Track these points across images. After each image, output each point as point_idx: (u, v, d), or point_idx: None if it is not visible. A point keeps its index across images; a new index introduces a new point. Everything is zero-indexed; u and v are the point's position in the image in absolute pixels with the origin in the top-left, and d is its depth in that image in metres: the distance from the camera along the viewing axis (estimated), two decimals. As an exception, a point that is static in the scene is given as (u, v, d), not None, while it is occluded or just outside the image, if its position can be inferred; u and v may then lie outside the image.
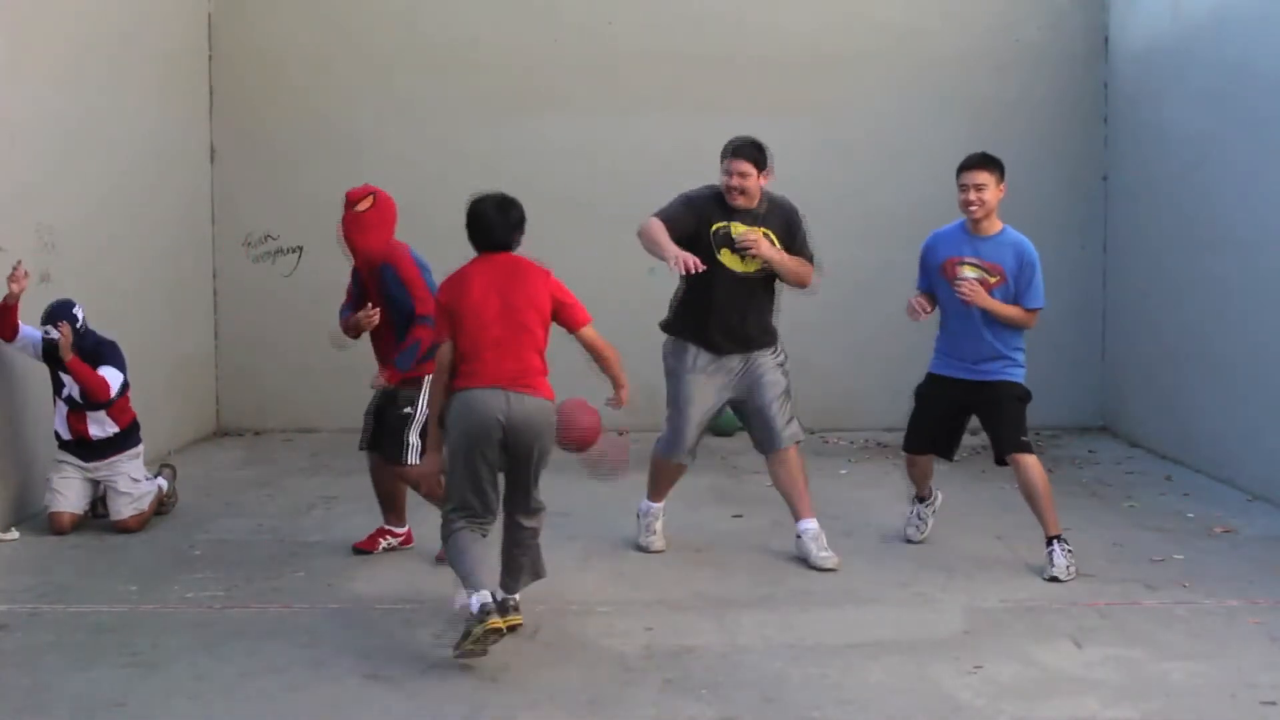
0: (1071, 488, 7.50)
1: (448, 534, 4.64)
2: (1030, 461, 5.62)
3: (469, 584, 4.45)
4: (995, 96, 9.58)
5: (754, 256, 5.76)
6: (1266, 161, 7.09)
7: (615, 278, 8.86)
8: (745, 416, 6.05)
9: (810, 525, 5.88)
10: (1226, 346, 7.61)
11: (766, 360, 5.95)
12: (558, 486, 6.35)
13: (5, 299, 6.13)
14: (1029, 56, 9.63)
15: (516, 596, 4.72)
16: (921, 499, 6.22)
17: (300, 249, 9.74)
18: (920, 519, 6.21)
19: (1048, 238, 10.04)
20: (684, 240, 5.68)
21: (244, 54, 9.60)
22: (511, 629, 4.44)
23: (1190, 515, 6.81)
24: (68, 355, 6.19)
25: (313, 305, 9.70)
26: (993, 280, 5.67)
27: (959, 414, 5.91)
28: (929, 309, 5.86)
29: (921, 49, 9.61)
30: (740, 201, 5.80)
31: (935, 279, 5.85)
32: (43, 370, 6.60)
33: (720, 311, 5.83)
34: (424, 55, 9.61)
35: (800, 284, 6.03)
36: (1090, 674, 4.39)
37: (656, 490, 6.13)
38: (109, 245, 7.71)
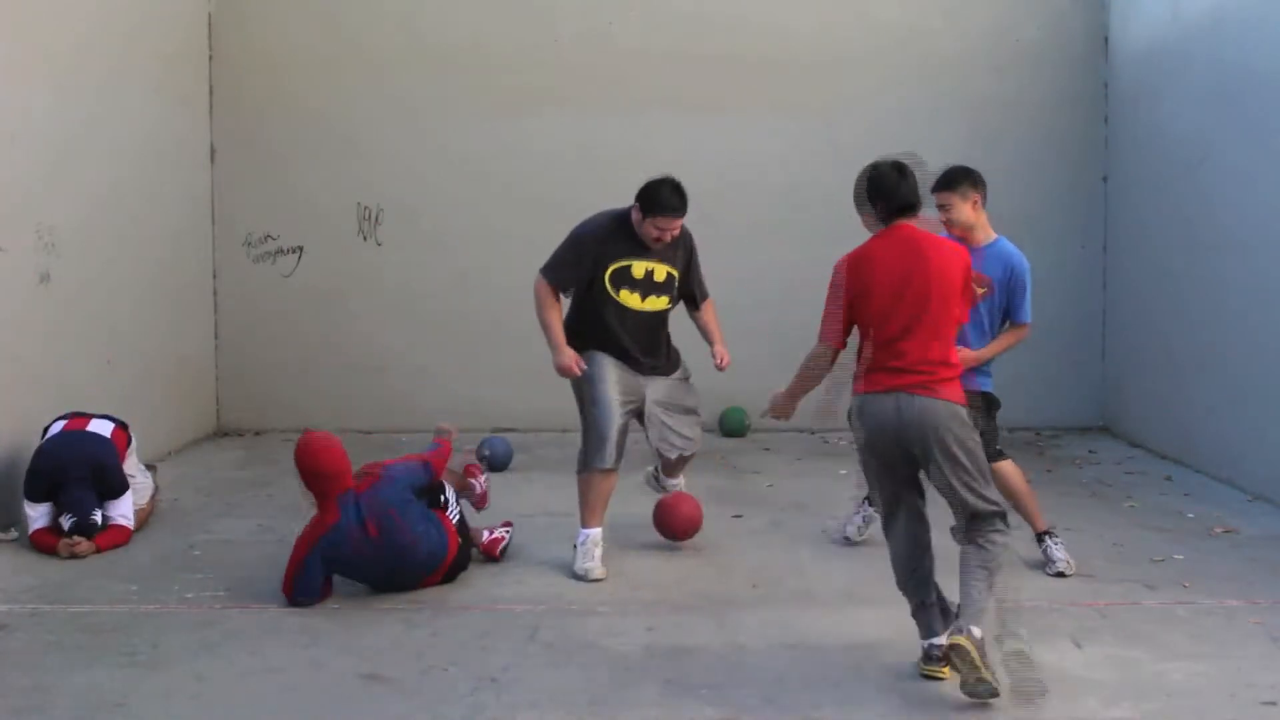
0: (1071, 488, 7.50)
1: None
2: (1008, 468, 5.64)
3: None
4: (995, 96, 9.58)
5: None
6: (1266, 162, 7.09)
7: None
8: (654, 421, 5.88)
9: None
10: (1226, 346, 7.61)
11: (676, 378, 5.99)
12: (558, 486, 6.37)
13: None
14: (1029, 56, 9.63)
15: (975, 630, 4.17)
16: (872, 502, 6.20)
17: (300, 249, 9.74)
18: (865, 522, 6.17)
19: (1048, 238, 10.10)
20: (574, 282, 5.70)
21: (244, 54, 9.60)
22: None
23: (1190, 515, 6.81)
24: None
25: (313, 305, 9.73)
26: (981, 291, 5.64)
27: None
28: None
29: (921, 49, 9.61)
30: (659, 246, 5.69)
31: None
32: (42, 372, 6.60)
33: (624, 338, 5.73)
34: (424, 55, 9.61)
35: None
36: (1090, 674, 4.38)
37: (591, 512, 5.70)
38: (109, 245, 7.72)
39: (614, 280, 5.66)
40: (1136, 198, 9.07)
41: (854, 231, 10.07)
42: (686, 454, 6.03)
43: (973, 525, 4.37)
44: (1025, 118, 9.62)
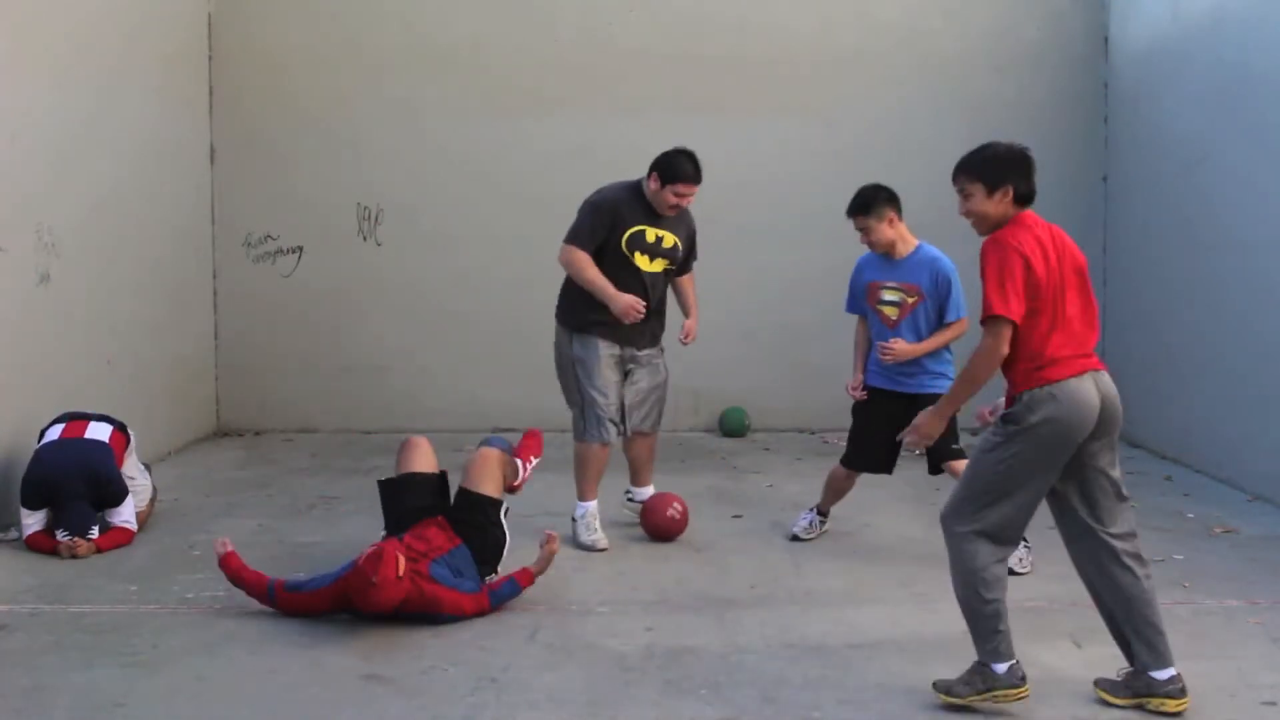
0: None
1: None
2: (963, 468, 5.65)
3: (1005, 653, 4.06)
4: (995, 96, 9.58)
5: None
6: (1266, 162, 7.09)
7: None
8: (634, 387, 6.21)
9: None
10: (1226, 346, 7.61)
11: (657, 358, 6.28)
12: (557, 487, 6.37)
13: None
14: (1029, 56, 9.64)
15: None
16: (823, 515, 6.31)
17: (300, 249, 9.74)
18: (811, 526, 6.29)
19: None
20: (592, 246, 6.01)
21: (244, 54, 9.60)
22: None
23: (1190, 515, 6.81)
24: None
25: (313, 305, 9.73)
26: (911, 300, 5.86)
27: (896, 428, 5.93)
28: (862, 393, 6.04)
29: (921, 49, 9.62)
30: (670, 213, 6.08)
31: (862, 302, 6.05)
32: (41, 372, 6.60)
33: (636, 294, 6.05)
34: (424, 56, 9.62)
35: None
36: (1090, 674, 4.37)
37: (588, 485, 6.14)
38: (109, 245, 7.72)
39: (629, 243, 6.03)
40: (1136, 198, 9.08)
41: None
42: (649, 428, 6.35)
43: (1118, 537, 4.11)
44: (1025, 117, 9.60)
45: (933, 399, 5.64)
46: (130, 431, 6.53)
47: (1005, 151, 4.12)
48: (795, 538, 6.24)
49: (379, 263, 9.71)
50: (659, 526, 6.22)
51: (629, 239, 6.01)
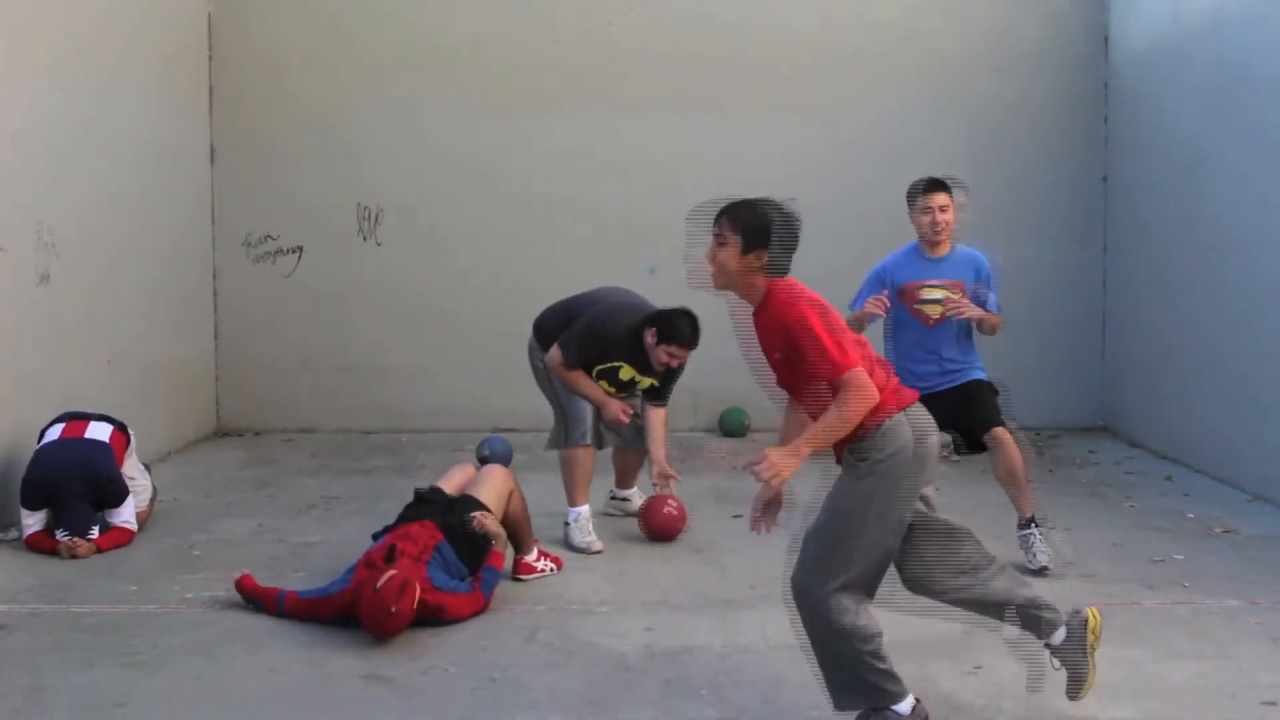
0: (1071, 488, 7.50)
1: None
2: (1011, 439, 5.63)
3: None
4: (995, 96, 9.59)
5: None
6: (1266, 162, 7.09)
7: (615, 277, 8.82)
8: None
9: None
10: (1226, 346, 7.61)
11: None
12: (558, 486, 6.37)
13: None
14: (1029, 56, 9.64)
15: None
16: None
17: (300, 249, 9.75)
18: None
19: (1048, 238, 10.12)
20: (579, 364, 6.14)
21: (244, 54, 9.61)
22: None
23: (1190, 515, 6.81)
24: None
25: (313, 305, 9.73)
26: (956, 297, 5.77)
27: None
28: (886, 304, 5.82)
29: (921, 49, 9.62)
30: (660, 368, 6.12)
31: (895, 305, 5.88)
32: (41, 372, 6.59)
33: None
34: (424, 56, 9.62)
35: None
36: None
37: (579, 489, 6.18)
38: (109, 245, 7.72)
39: (601, 373, 6.17)
40: (1136, 198, 9.08)
41: (854, 232, 10.08)
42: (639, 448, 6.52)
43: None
44: (1025, 118, 9.63)
45: (977, 382, 5.73)
46: (130, 431, 6.53)
47: (769, 213, 3.83)
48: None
49: (379, 263, 9.71)
50: (658, 525, 6.23)
51: (600, 371, 6.15)
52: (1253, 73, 7.25)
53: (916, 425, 3.82)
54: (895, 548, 3.83)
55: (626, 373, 6.18)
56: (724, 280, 3.87)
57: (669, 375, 6.29)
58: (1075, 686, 3.99)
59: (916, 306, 5.81)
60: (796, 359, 3.79)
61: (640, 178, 9.52)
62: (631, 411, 6.22)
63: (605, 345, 6.11)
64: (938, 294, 5.77)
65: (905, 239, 10.48)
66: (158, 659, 4.57)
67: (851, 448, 3.85)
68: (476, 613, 5.00)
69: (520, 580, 5.58)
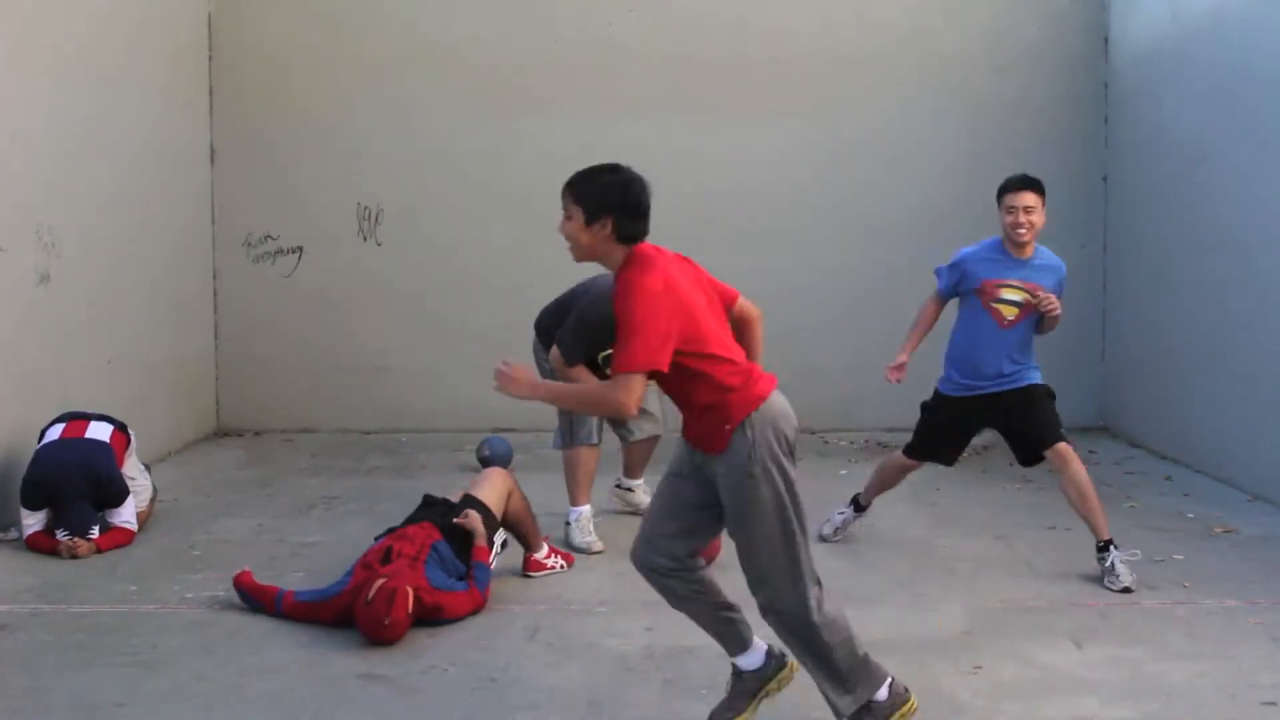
0: (1071, 488, 7.50)
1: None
2: (1075, 455, 5.59)
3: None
4: (995, 96, 9.59)
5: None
6: (1265, 162, 7.09)
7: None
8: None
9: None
10: (1226, 346, 7.61)
11: None
12: (558, 486, 6.37)
13: None
14: (1029, 56, 9.64)
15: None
16: (862, 509, 6.25)
17: (300, 249, 9.75)
18: (845, 525, 6.26)
19: (1047, 237, 10.02)
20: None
21: (244, 54, 9.61)
22: None
23: (1190, 515, 6.81)
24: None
25: (313, 305, 9.73)
26: (1033, 301, 5.65)
27: (973, 428, 5.94)
28: (903, 375, 5.88)
29: (921, 49, 9.62)
30: None
31: (967, 298, 5.77)
32: (41, 372, 6.58)
33: None
34: (424, 56, 9.62)
35: None
36: (1090, 674, 4.38)
37: (581, 489, 6.20)
38: (109, 245, 7.72)
39: (607, 360, 6.07)
40: (1136, 198, 9.08)
41: (855, 232, 10.06)
42: (640, 438, 6.55)
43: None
44: (1025, 118, 9.62)
45: (1036, 387, 5.70)
46: (130, 431, 6.53)
47: (612, 182, 3.70)
48: (823, 538, 6.18)
49: (379, 263, 9.71)
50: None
51: (606, 359, 6.06)
52: (1253, 73, 7.25)
53: (769, 412, 3.71)
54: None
55: None
56: (581, 252, 3.78)
57: None
58: (723, 712, 3.91)
59: (994, 304, 5.67)
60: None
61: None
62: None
63: (601, 332, 6.00)
64: (1018, 295, 5.64)
65: (906, 239, 10.51)
66: (158, 659, 4.57)
67: (719, 450, 3.70)
68: (475, 610, 5.00)
69: (530, 577, 5.59)
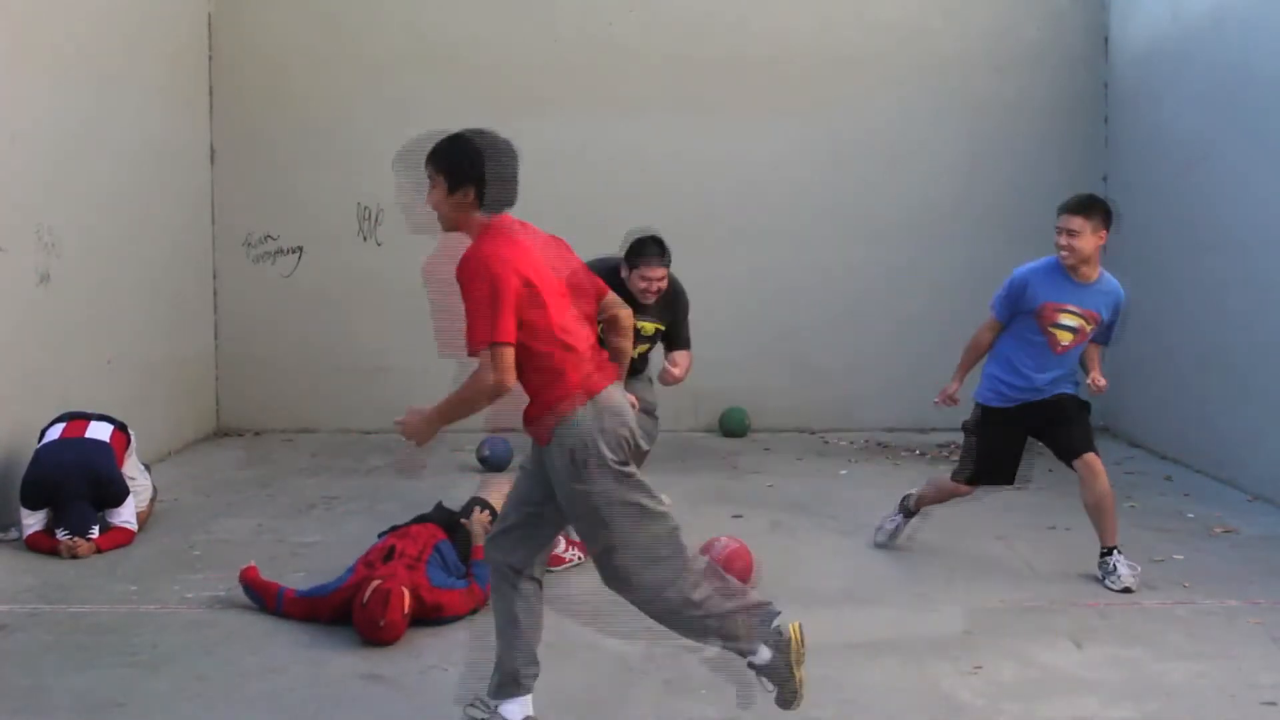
0: (1072, 488, 7.46)
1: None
2: (1102, 467, 5.55)
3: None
4: (995, 96, 9.59)
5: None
6: (1265, 162, 7.09)
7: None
8: None
9: None
10: (1226, 346, 7.61)
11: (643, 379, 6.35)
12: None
13: None
14: (1029, 56, 9.64)
15: None
16: (912, 514, 6.13)
17: (300, 249, 9.75)
18: (897, 531, 6.14)
19: (1047, 239, 10.06)
20: None
21: (244, 54, 9.60)
22: None
23: (1190, 515, 6.81)
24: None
25: (313, 305, 9.73)
26: (1089, 328, 5.58)
27: (1024, 435, 5.76)
28: (955, 400, 5.78)
29: (922, 49, 9.62)
30: (652, 301, 5.93)
31: (1023, 318, 5.61)
32: (42, 372, 6.57)
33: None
34: (424, 56, 9.62)
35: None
36: (1090, 674, 4.38)
37: None
38: (109, 245, 7.72)
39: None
40: (1136, 198, 9.07)
41: (855, 233, 10.05)
42: (647, 446, 6.43)
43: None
44: (1025, 118, 9.62)
45: (1071, 397, 5.63)
46: (130, 431, 6.53)
47: (470, 147, 3.66)
48: (877, 544, 6.11)
49: (379, 263, 9.70)
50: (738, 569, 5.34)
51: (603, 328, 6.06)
52: (1253, 73, 7.25)
53: (599, 407, 3.60)
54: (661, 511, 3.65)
55: (646, 328, 5.99)
56: (445, 222, 3.69)
57: (673, 313, 6.11)
58: (785, 704, 3.76)
59: (1051, 328, 5.54)
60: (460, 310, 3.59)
61: (640, 178, 9.52)
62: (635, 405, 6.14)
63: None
64: (1074, 322, 5.52)
65: (906, 239, 10.50)
66: (158, 659, 4.57)
67: (544, 442, 3.62)
68: (477, 607, 5.00)
69: (551, 572, 5.63)
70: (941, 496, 5.99)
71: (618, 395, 3.70)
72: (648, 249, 5.84)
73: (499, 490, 5.55)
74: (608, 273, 5.98)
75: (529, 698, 3.84)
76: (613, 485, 3.58)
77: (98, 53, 7.63)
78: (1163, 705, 4.12)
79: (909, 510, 6.11)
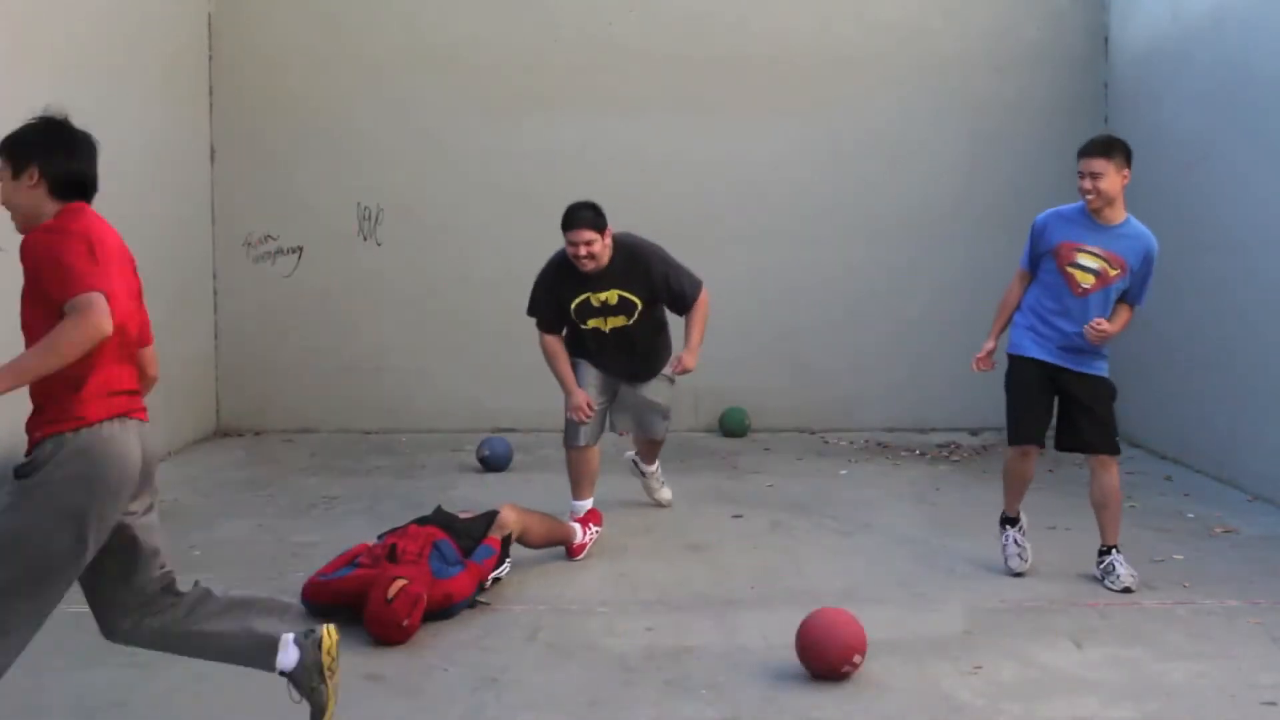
0: (1072, 488, 7.49)
1: None
2: (1116, 468, 5.52)
3: None
4: (995, 96, 9.59)
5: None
6: (1266, 162, 7.09)
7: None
8: (623, 406, 6.46)
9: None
10: (1226, 346, 7.61)
11: (647, 385, 6.45)
12: (558, 487, 6.37)
13: None
14: (1029, 56, 9.64)
15: None
16: (1013, 520, 5.72)
17: (300, 249, 9.75)
18: (1019, 545, 5.68)
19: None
20: (558, 321, 6.19)
21: (244, 54, 9.61)
22: None
23: (1190, 515, 6.82)
24: None
25: (313, 305, 9.73)
26: (1113, 273, 5.39)
27: (1054, 397, 5.58)
28: (990, 365, 5.69)
29: (921, 49, 9.62)
30: (590, 267, 5.99)
31: (1044, 260, 5.47)
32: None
33: (604, 356, 6.26)
34: (423, 56, 9.62)
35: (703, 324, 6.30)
36: (1090, 674, 4.38)
37: (578, 486, 6.27)
38: (109, 245, 7.71)
39: (579, 313, 6.13)
40: (1136, 198, 9.01)
41: (855, 232, 10.06)
42: (656, 438, 6.63)
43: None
44: (1025, 118, 9.62)
45: (1101, 382, 5.58)
46: (130, 432, 6.52)
47: (35, 127, 3.43)
48: (1015, 573, 5.61)
49: (379, 263, 9.71)
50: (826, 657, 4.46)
51: (577, 310, 6.10)
52: (1253, 73, 7.25)
53: (116, 446, 3.45)
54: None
55: (596, 299, 6.06)
56: (19, 215, 3.46)
57: (642, 275, 6.05)
58: (317, 717, 3.66)
59: (1069, 268, 5.36)
60: (36, 287, 3.34)
61: (640, 178, 9.51)
62: (592, 410, 6.10)
63: (554, 287, 6.11)
64: (1094, 263, 5.34)
65: (906, 239, 10.50)
66: (158, 659, 4.55)
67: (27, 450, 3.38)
68: (481, 582, 5.13)
69: (577, 561, 5.80)
70: (1010, 483, 5.72)
71: (127, 441, 3.63)
72: (573, 215, 5.94)
73: (508, 516, 5.56)
74: (555, 266, 6.18)
75: (285, 637, 3.75)
76: (65, 533, 3.40)
77: (98, 53, 7.62)
78: (1163, 705, 4.12)
79: (1008, 520, 5.78)
